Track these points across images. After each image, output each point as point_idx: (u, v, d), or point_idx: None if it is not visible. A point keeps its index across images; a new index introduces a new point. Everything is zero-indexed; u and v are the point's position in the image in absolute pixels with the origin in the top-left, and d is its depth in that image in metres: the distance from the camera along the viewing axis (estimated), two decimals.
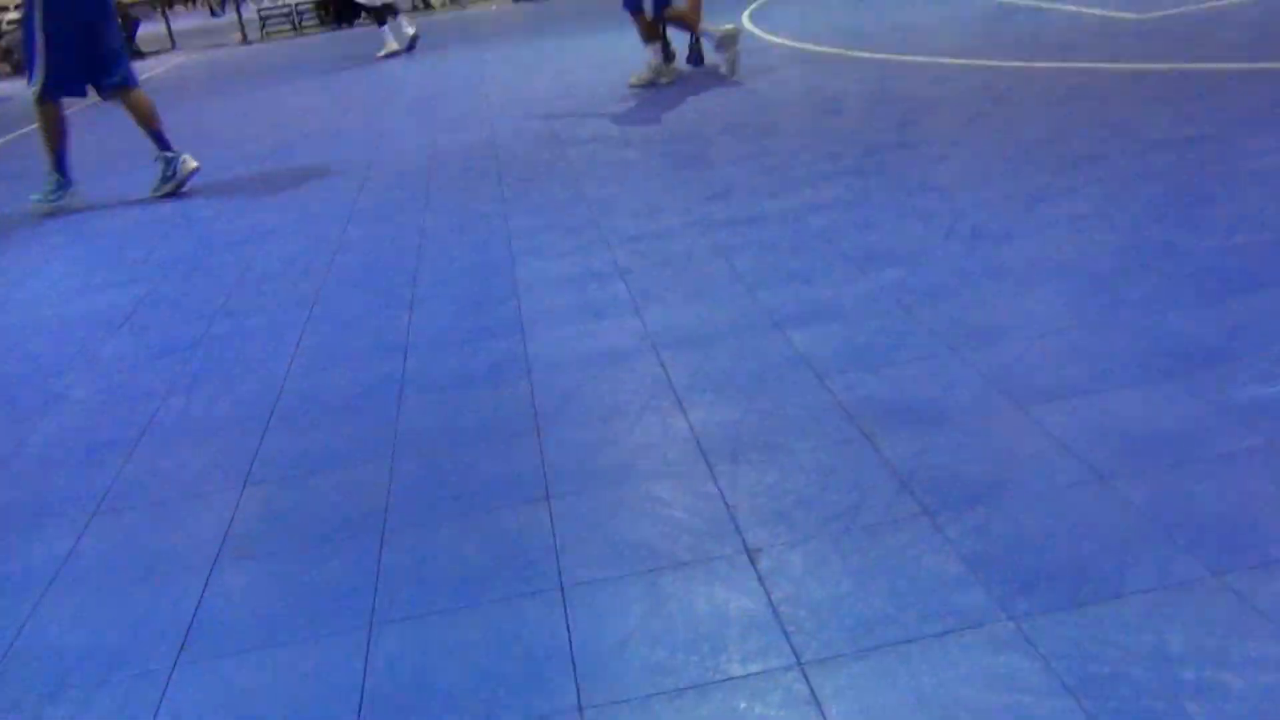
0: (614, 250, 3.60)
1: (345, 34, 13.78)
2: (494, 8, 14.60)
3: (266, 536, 2.13)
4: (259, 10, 14.74)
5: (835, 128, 4.90)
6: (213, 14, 19.75)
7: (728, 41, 6.39)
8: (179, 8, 23.52)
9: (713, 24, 6.52)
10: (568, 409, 2.50)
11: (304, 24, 14.77)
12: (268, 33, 14.60)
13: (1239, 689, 1.39)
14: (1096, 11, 6.89)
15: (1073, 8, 7.17)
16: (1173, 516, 1.78)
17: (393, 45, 10.37)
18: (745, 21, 8.90)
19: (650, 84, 6.64)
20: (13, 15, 13.85)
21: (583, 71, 7.66)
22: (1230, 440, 1.99)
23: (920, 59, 6.24)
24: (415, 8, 15.54)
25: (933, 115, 4.89)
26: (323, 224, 4.54)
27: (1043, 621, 1.57)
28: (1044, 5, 7.47)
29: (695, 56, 6.98)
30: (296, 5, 14.58)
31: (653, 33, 6.55)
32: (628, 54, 8.10)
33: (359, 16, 14.58)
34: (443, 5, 15.40)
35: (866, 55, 6.60)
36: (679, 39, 7.03)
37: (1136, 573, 1.65)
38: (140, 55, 15.23)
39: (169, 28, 16.22)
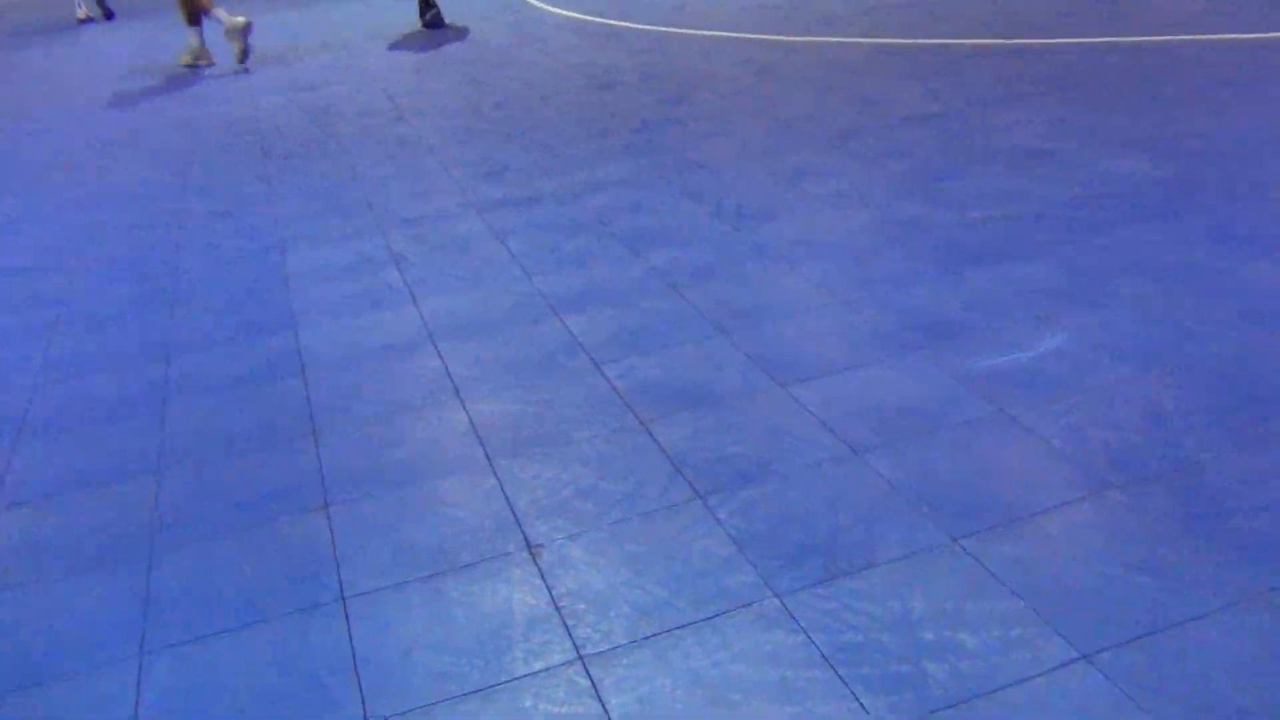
0: (388, 235, 3.54)
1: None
2: None
3: (21, 566, 2.01)
4: None
5: (609, 103, 4.95)
6: None
7: (233, 34, 6.63)
8: None
9: (225, 12, 6.71)
10: (345, 408, 2.46)
11: None
12: None
13: (973, 646, 1.54)
14: None
15: None
16: (918, 487, 1.93)
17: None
18: None
19: (193, 66, 6.92)
20: None
21: (354, 39, 7.40)
22: (967, 410, 2.17)
23: (691, 31, 6.37)
24: None
25: (702, 90, 5.03)
26: (69, 211, 4.23)
27: (804, 596, 1.68)
28: None
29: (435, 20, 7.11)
30: None
31: (194, 16, 6.75)
32: (401, 19, 7.88)
33: None
34: None
35: (640, 27, 6.69)
36: None
37: (885, 543, 1.79)
38: None
39: None
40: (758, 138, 4.17)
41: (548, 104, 5.04)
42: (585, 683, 1.56)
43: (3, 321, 3.20)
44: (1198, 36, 4.96)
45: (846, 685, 1.50)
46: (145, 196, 4.32)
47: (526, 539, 1.91)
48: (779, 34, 5.99)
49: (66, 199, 4.42)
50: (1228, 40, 4.85)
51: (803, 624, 1.62)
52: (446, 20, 7.65)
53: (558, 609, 1.72)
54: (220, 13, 6.70)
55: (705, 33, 6.29)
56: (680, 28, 6.52)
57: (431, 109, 5.20)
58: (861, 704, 1.47)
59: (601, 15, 7.19)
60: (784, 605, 1.67)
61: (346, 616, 1.76)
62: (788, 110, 4.50)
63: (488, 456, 2.19)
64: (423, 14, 7.48)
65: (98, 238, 3.87)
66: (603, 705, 1.51)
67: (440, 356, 2.66)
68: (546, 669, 1.59)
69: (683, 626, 1.65)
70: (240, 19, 6.69)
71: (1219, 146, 3.53)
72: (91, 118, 5.92)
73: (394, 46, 6.99)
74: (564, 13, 7.49)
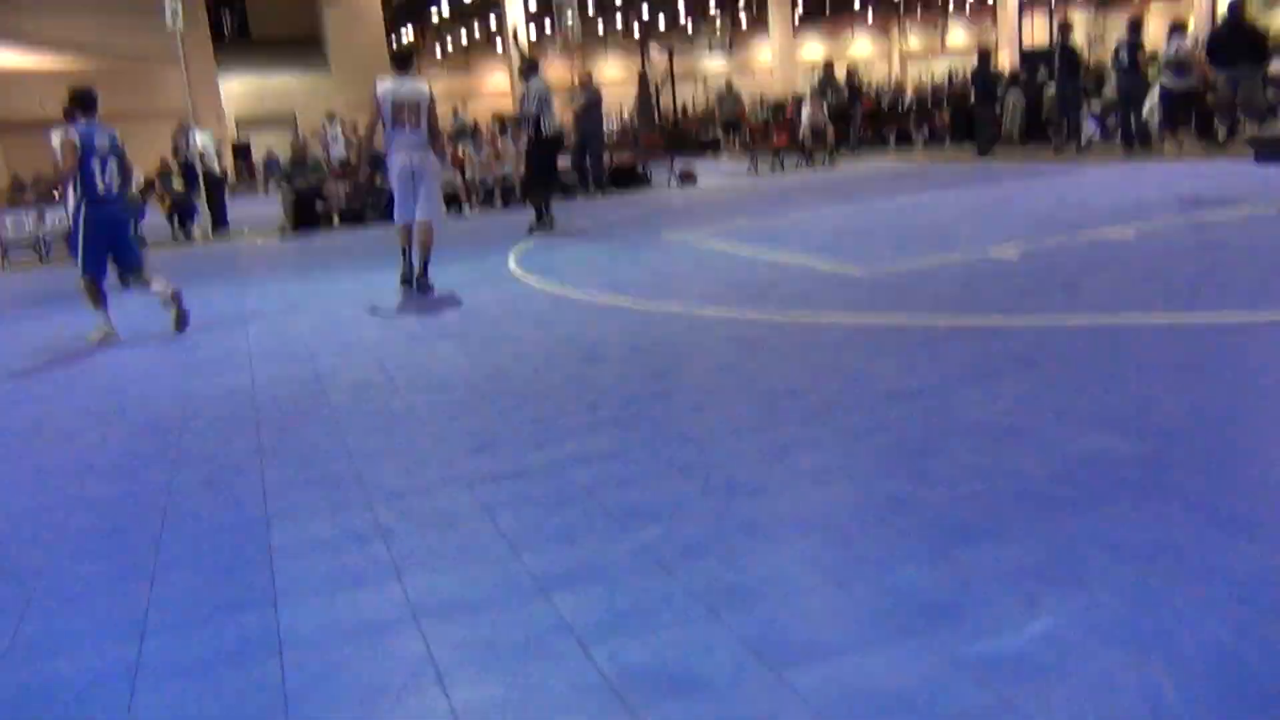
0: (376, 509, 3.54)
1: None
2: (259, 242, 14.54)
3: None
4: (3, 237, 14.01)
5: (596, 376, 5.10)
6: None
7: (166, 302, 7.39)
8: None
9: (161, 283, 7.41)
10: (321, 692, 2.38)
11: (51, 255, 14.17)
12: (11, 262, 13.90)
13: None
14: (826, 265, 7.61)
15: (808, 261, 7.90)
16: None
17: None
18: (511, 264, 9.25)
19: (102, 341, 7.31)
20: None
21: (348, 312, 7.68)
22: (963, 699, 2.12)
23: (675, 307, 6.65)
24: (176, 239, 15.26)
25: (688, 364, 5.19)
26: (57, 479, 4.24)
27: None
28: (783, 259, 8.18)
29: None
30: (44, 235, 13.99)
31: (97, 299, 7.36)
32: (395, 295, 8.21)
33: None
34: (204, 237, 15.20)
35: (625, 303, 6.98)
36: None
37: None
38: None
39: None
40: (744, 412, 4.27)
41: (538, 377, 5.18)
42: None
43: None
44: (1157, 318, 5.20)
45: None
46: (131, 468, 4.33)
47: None
48: (761, 311, 6.25)
49: (49, 467, 4.43)
50: (1187, 323, 5.09)
51: None
52: (438, 293, 7.98)
53: None
54: (156, 285, 7.38)
55: (687, 308, 6.56)
56: (666, 303, 6.80)
57: (424, 381, 5.33)
58: None
59: (590, 291, 7.51)
60: None
61: None
62: (772, 385, 4.63)
63: None
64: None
65: (78, 509, 3.85)
66: None
67: (424, 638, 2.60)
68: None
69: None
70: (170, 288, 7.29)
71: (1187, 425, 3.63)
72: (83, 386, 6.03)
73: (389, 319, 7.25)
74: (554, 289, 7.83)
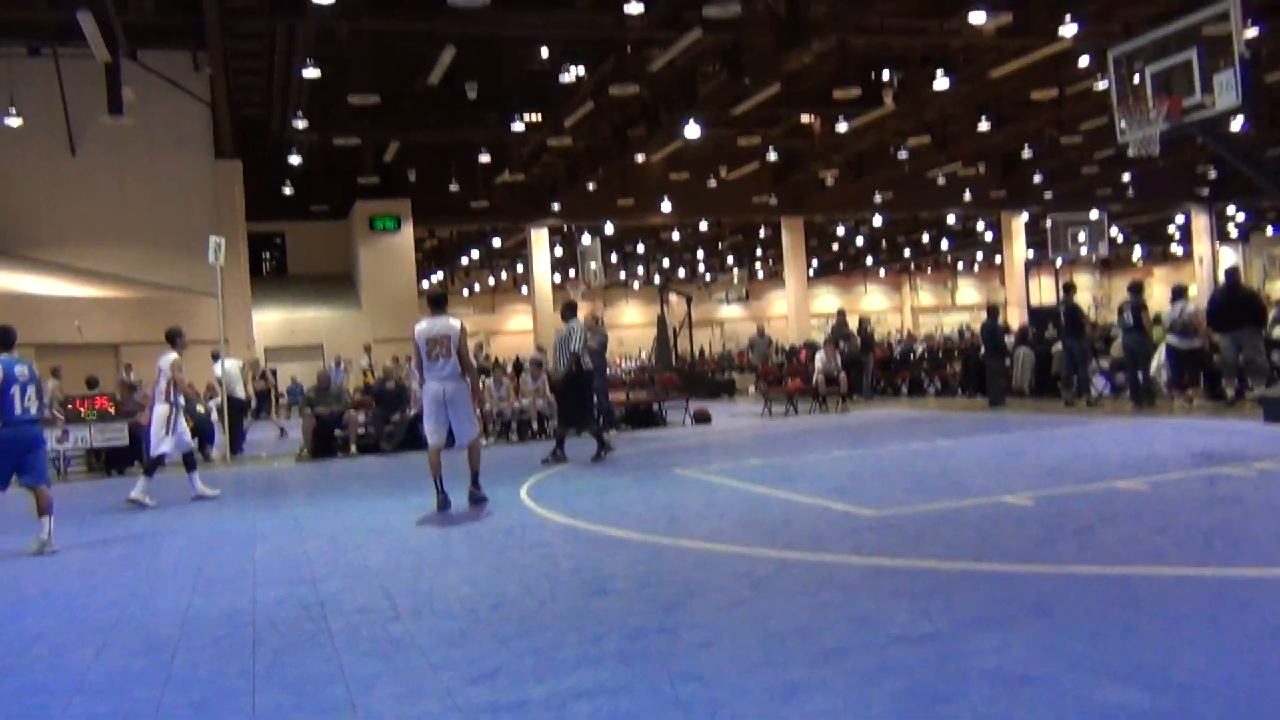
0: None
1: (115, 482, 13.38)
2: (276, 466, 14.66)
3: None
4: None
5: (603, 609, 5.01)
6: None
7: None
8: None
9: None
10: None
11: (69, 471, 14.30)
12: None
13: None
14: (839, 506, 7.60)
15: (820, 501, 7.89)
16: None
17: (143, 497, 10.19)
18: (523, 496, 9.27)
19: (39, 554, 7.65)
20: None
21: (357, 538, 7.65)
22: None
23: (684, 542, 6.60)
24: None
25: (696, 600, 5.11)
26: (43, 697, 4.12)
27: None
28: (796, 497, 8.18)
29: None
30: (64, 451, 14.18)
31: (44, 509, 7.79)
32: (405, 521, 8.20)
33: (130, 465, 14.29)
34: (223, 460, 15.34)
35: (636, 536, 6.94)
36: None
37: None
38: None
39: None
40: (751, 650, 4.17)
41: (544, 608, 5.10)
42: None
43: None
44: (1172, 569, 5.13)
45: None
46: (121, 687, 4.22)
47: None
48: (772, 549, 6.20)
49: (35, 685, 4.31)
50: (1202, 576, 5.01)
51: None
52: (456, 511, 8.02)
53: None
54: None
55: (699, 544, 6.51)
56: (674, 538, 6.76)
57: (426, 608, 5.24)
58: None
59: (598, 524, 7.49)
60: None
61: None
62: (781, 624, 4.54)
63: None
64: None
65: None
66: None
67: None
68: None
69: None
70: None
71: (1206, 679, 3.52)
72: (84, 601, 5.96)
73: (397, 546, 7.21)
74: (565, 520, 7.81)
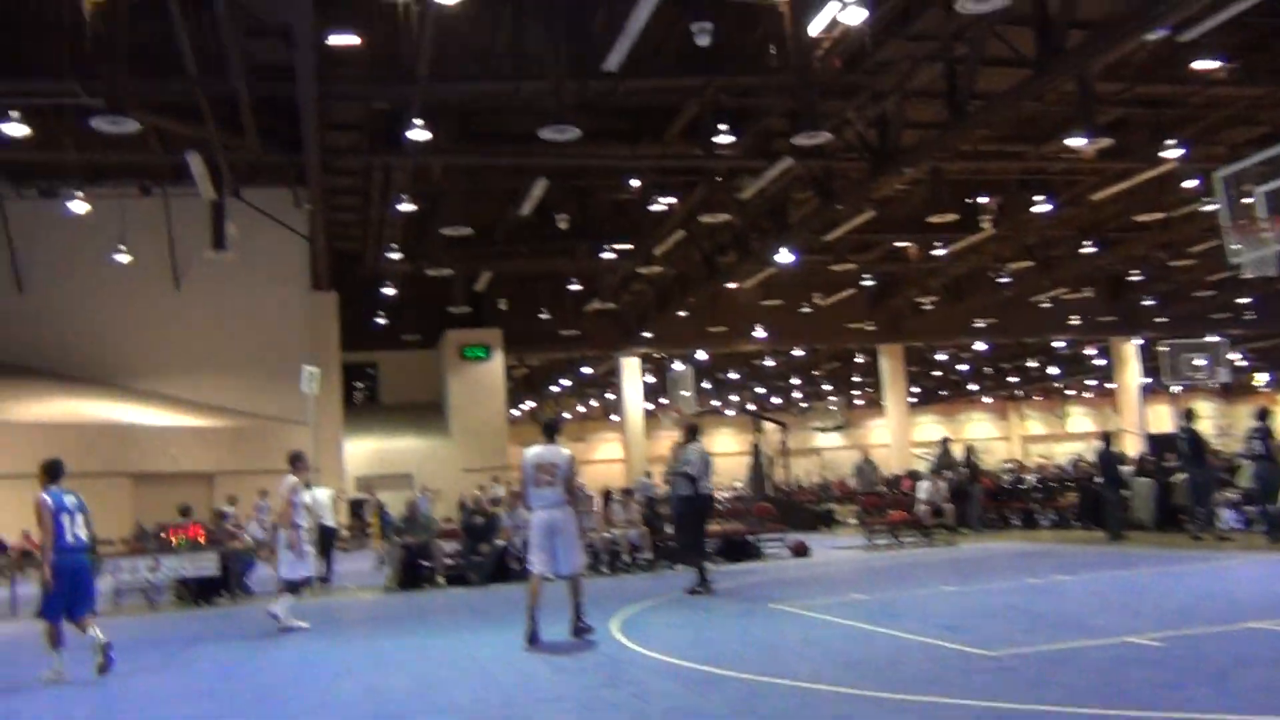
0: None
1: (203, 613, 13.60)
2: (365, 598, 14.75)
3: None
4: (118, 581, 14.57)
5: None
6: None
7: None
8: (34, 571, 23.09)
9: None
10: None
11: (159, 602, 14.60)
12: (121, 605, 14.34)
13: None
14: (950, 645, 7.32)
15: (930, 639, 7.61)
16: None
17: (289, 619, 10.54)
18: (614, 630, 9.15)
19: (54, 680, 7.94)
20: None
21: (444, 672, 7.61)
22: None
23: (783, 681, 6.41)
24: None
25: None
26: None
27: None
28: (904, 635, 7.91)
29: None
30: (154, 581, 14.50)
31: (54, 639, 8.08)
32: (492, 656, 8.14)
33: (219, 594, 14.53)
34: (311, 590, 15.50)
35: (731, 674, 6.76)
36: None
37: None
38: None
39: (13, 596, 15.80)
40: None
41: None
42: None
43: None
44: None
45: None
46: None
47: None
48: (877, 690, 5.98)
49: None
50: None
51: None
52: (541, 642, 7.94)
53: None
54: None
55: (799, 684, 6.32)
56: (774, 678, 6.57)
57: None
58: None
59: (693, 660, 7.32)
60: None
61: None
62: None
63: None
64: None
65: None
66: None
67: None
68: None
69: None
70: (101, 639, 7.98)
71: None
72: None
73: (485, 680, 7.13)
74: (657, 655, 7.66)
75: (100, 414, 26.89)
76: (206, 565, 14.49)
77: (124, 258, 25.24)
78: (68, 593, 8.16)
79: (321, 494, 16.53)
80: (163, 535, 15.00)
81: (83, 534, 8.24)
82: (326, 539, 16.30)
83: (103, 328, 29.06)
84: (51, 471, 8.48)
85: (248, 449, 27.70)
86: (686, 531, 12.78)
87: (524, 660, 7.94)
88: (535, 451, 9.03)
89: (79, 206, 22.83)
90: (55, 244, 27.30)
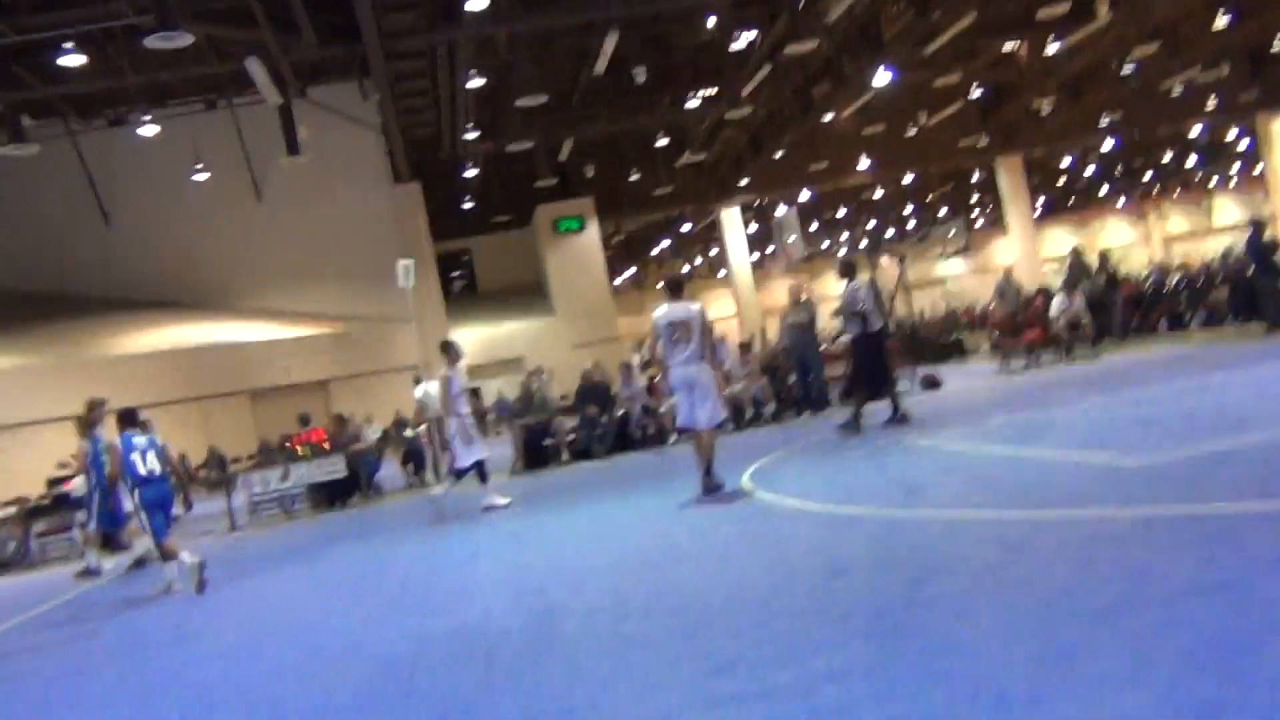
0: None
1: (337, 515, 14.29)
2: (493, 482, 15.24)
3: None
4: (252, 496, 15.37)
5: (842, 590, 4.97)
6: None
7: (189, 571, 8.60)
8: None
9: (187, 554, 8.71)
10: None
11: (295, 510, 15.37)
12: (259, 519, 15.16)
13: None
14: (1098, 458, 7.24)
15: (1075, 456, 7.54)
16: None
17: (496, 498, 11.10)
18: (745, 482, 9.31)
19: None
20: None
21: (578, 544, 7.88)
22: None
23: (926, 512, 6.46)
24: (409, 486, 16.27)
25: (944, 571, 4.98)
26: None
27: None
28: (1047, 454, 7.86)
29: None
30: (289, 490, 15.26)
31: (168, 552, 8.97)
32: (625, 522, 8.39)
33: (352, 497, 15.24)
34: (437, 481, 16.11)
35: (869, 512, 6.84)
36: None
37: None
38: (122, 548, 15.66)
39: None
40: (1012, 618, 4.04)
41: (779, 595, 5.10)
42: None
43: None
44: None
45: None
46: (366, 706, 4.51)
47: None
48: (1024, 511, 5.98)
49: (290, 712, 4.66)
50: None
51: None
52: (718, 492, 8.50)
53: None
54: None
55: (940, 513, 6.36)
56: (913, 510, 6.63)
57: (657, 605, 5.34)
58: None
59: (829, 503, 7.42)
60: None
61: None
62: (1043, 588, 4.37)
63: None
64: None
65: None
66: None
67: None
68: None
69: None
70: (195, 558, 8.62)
71: None
72: (322, 628, 6.39)
73: (620, 547, 7.37)
74: (792, 503, 7.78)
75: (210, 337, 27.97)
76: (335, 469, 15.14)
77: (202, 176, 25.78)
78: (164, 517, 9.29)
79: (433, 387, 16.98)
80: (287, 445, 15.66)
81: (156, 467, 9.18)
82: (445, 432, 16.82)
83: (193, 250, 29.94)
84: (125, 418, 9.58)
85: (357, 353, 28.58)
86: (869, 370, 12.61)
87: (658, 521, 8.16)
88: (665, 310, 9.17)
89: (149, 130, 23.33)
90: (133, 172, 28.01)
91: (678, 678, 4.05)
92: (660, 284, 10.11)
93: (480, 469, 11.36)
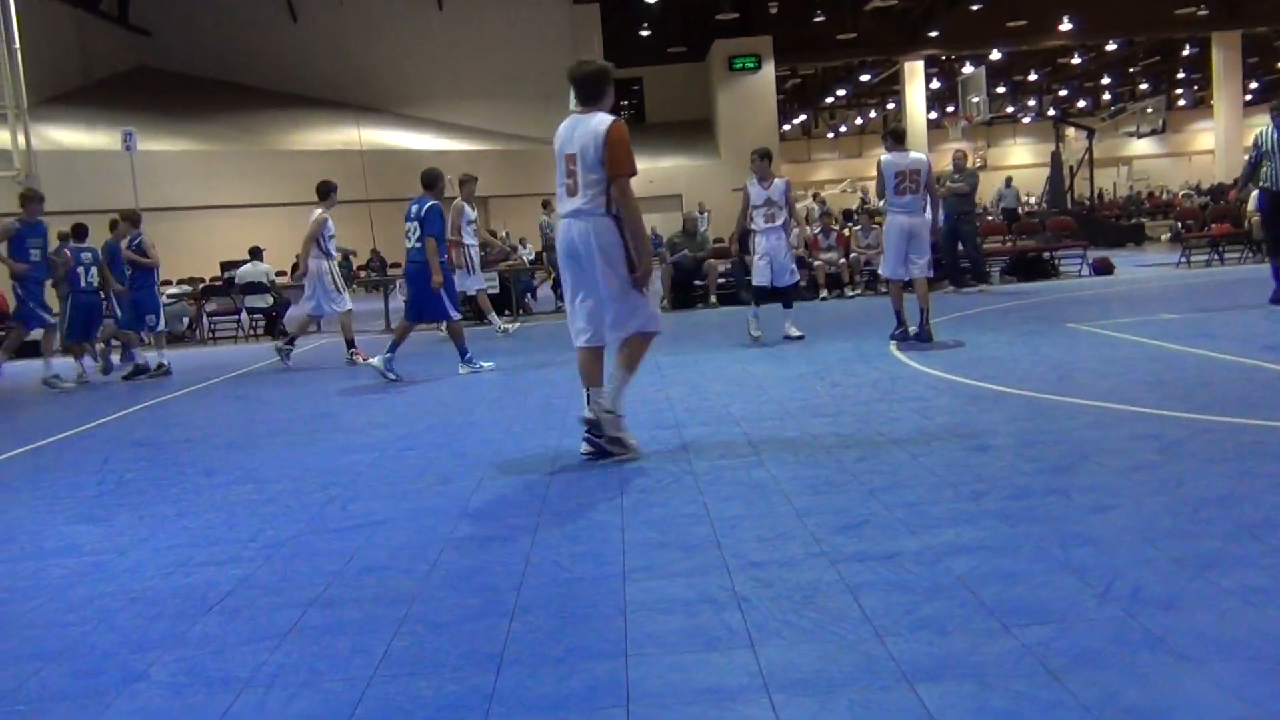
0: (733, 576, 3.59)
1: (488, 329, 14.70)
2: None
3: None
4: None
5: (982, 465, 4.90)
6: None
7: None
8: None
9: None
10: None
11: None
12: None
13: None
14: (1277, 366, 6.86)
15: (1250, 360, 7.17)
16: None
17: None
18: (893, 349, 9.17)
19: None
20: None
21: (718, 387, 7.94)
22: None
23: (1079, 400, 6.27)
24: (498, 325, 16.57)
25: (1091, 462, 4.86)
26: (434, 519, 4.69)
27: None
28: (1219, 355, 7.49)
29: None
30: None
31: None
32: (767, 371, 8.40)
33: (504, 313, 15.62)
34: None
35: (1020, 392, 6.68)
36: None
37: None
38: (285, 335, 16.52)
39: None
40: (1157, 518, 3.92)
41: (916, 461, 5.07)
42: None
43: (353, 615, 3.51)
44: None
45: None
46: (500, 514, 4.71)
47: None
48: (1186, 410, 5.74)
49: (427, 508, 4.91)
50: None
51: None
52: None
53: None
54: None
55: (1093, 403, 6.16)
56: (1064, 396, 6.43)
57: (790, 456, 5.37)
58: None
59: (977, 379, 7.27)
60: None
61: None
62: (1195, 492, 4.22)
63: None
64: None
65: (451, 546, 4.23)
66: None
67: (774, 710, 2.59)
68: None
69: None
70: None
71: None
72: (465, 435, 6.65)
73: (760, 394, 7.40)
74: (939, 373, 7.65)
75: (381, 141, 28.58)
76: (490, 284, 15.49)
77: None
78: (86, 323, 12.06)
79: None
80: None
81: (94, 280, 11.86)
82: None
83: (373, 54, 30.35)
84: (75, 232, 12.00)
85: (520, 173, 28.84)
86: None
87: (799, 376, 8.14)
88: (892, 158, 9.51)
89: None
90: None
91: (805, 530, 4.08)
92: (884, 134, 10.09)
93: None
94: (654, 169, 33.44)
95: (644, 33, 34.17)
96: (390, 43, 30.33)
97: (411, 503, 5.06)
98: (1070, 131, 33.59)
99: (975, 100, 27.69)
